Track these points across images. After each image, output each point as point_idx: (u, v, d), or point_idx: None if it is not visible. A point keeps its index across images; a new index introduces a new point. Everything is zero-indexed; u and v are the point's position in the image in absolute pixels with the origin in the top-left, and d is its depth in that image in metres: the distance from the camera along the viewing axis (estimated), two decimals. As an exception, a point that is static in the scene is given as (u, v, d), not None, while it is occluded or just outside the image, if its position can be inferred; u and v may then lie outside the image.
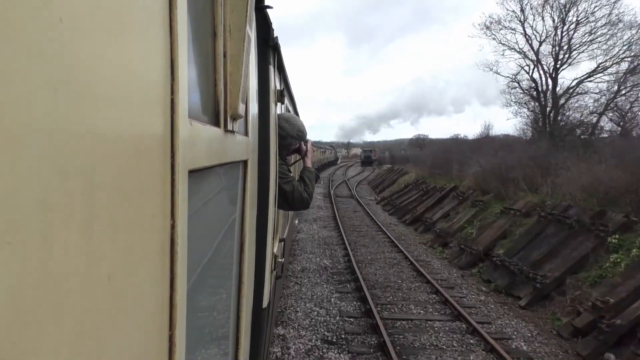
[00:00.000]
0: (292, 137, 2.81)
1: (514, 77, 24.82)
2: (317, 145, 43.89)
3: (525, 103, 24.85)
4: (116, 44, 0.49)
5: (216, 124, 1.07)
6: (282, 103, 2.97)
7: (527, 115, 24.88)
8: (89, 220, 0.43)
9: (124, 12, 0.51)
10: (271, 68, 2.39)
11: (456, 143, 30.82)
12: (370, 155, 63.22)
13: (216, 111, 1.08)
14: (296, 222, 11.43)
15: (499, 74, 26.01)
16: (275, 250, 2.79)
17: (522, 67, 24.36)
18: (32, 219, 0.34)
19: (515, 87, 24.88)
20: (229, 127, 1.16)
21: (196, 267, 1.03)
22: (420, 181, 22.84)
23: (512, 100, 25.00)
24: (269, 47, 2.30)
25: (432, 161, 24.97)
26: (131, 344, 0.54)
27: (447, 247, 12.30)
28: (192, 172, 0.79)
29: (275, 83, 2.60)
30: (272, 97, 2.39)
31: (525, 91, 24.56)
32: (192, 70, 0.87)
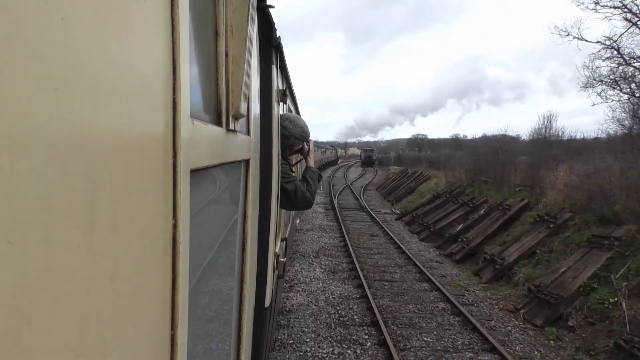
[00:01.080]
0: (295, 137, 2.81)
1: (611, 41, 14.58)
2: (318, 145, 43.69)
3: (616, 81, 14.82)
4: (118, 43, 0.49)
5: (218, 123, 1.07)
6: (285, 103, 2.98)
7: (628, 99, 15.47)
8: (90, 220, 0.43)
9: (126, 11, 0.51)
10: (274, 68, 2.38)
11: (509, 141, 21.38)
12: (371, 155, 61.70)
13: (218, 110, 1.08)
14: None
15: (582, 39, 15.92)
16: (277, 249, 2.79)
17: (634, 23, 14.76)
18: (34, 219, 0.34)
19: (608, 58, 14.89)
20: (231, 126, 1.16)
21: (198, 266, 1.03)
22: (456, 191, 16.92)
23: (596, 78, 15.51)
24: (271, 46, 2.30)
25: (472, 164, 17.84)
26: (133, 344, 0.54)
27: (564, 325, 6.50)
28: (194, 172, 0.79)
29: (277, 83, 2.59)
30: (275, 97, 2.39)
31: (630, 60, 14.86)
32: (194, 70, 0.87)
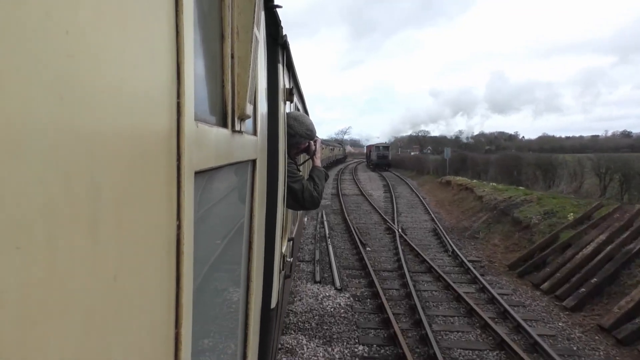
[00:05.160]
0: (301, 135, 2.81)
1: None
2: (326, 143, 43.14)
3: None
4: (122, 48, 0.49)
5: (224, 124, 1.08)
6: (291, 102, 2.98)
7: None
8: (94, 222, 0.44)
9: (131, 14, 0.51)
10: (280, 67, 2.39)
11: None
12: (386, 155, 45.06)
13: (224, 112, 1.09)
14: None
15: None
16: (283, 249, 2.79)
17: None
18: (38, 221, 0.35)
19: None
20: (237, 127, 1.17)
21: (204, 266, 1.04)
22: None
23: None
24: (278, 45, 2.30)
25: None
26: (137, 343, 0.55)
27: None
28: (198, 173, 0.80)
29: (284, 81, 2.60)
30: (281, 96, 2.39)
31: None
32: (200, 72, 0.88)
